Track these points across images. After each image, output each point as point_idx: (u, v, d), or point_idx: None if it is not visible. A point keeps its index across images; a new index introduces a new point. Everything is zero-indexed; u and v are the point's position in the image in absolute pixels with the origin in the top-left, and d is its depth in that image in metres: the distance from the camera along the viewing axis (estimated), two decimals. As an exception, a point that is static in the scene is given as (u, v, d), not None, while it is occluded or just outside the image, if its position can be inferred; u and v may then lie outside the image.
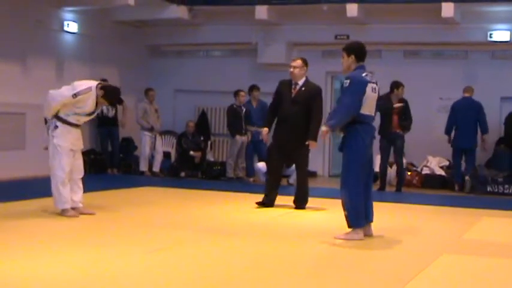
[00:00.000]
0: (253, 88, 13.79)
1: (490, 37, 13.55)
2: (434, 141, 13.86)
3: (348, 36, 13.31)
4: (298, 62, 9.48)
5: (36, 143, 11.98)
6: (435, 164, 13.58)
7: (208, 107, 16.00)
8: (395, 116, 12.28)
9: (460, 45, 14.17)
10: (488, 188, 12.42)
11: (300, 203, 9.52)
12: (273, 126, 9.81)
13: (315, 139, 9.30)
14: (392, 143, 12.32)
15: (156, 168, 14.40)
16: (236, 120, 13.49)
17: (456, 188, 12.74)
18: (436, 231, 8.11)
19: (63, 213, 8.11)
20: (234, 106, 13.60)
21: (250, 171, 13.76)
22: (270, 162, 9.85)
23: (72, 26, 13.94)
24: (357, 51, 7.20)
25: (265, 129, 9.77)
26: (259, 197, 9.71)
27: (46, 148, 8.26)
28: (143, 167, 14.33)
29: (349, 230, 7.14)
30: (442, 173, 13.39)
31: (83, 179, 8.42)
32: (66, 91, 8.08)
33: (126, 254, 6.18)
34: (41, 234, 7.13)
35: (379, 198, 10.04)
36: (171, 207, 9.59)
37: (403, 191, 12.37)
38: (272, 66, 14.91)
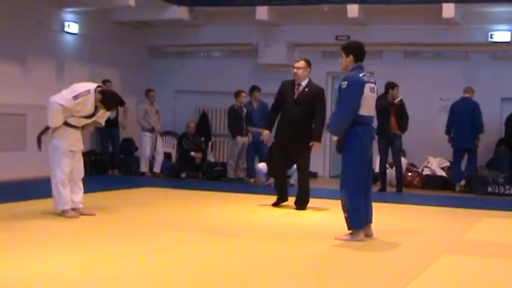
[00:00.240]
0: (254, 89, 13.78)
1: (491, 38, 13.55)
2: (434, 141, 13.85)
3: (348, 37, 13.28)
4: (302, 63, 9.48)
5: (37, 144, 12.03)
6: (436, 165, 13.57)
7: (209, 108, 16.00)
8: (393, 116, 12.29)
9: (460, 45, 14.17)
10: (489, 189, 12.42)
11: (301, 204, 9.52)
12: (275, 126, 9.82)
13: (319, 140, 9.35)
14: (391, 143, 12.33)
15: (157, 169, 14.40)
16: (237, 121, 13.49)
17: (458, 188, 12.73)
18: (437, 232, 8.11)
19: (63, 214, 8.10)
20: (235, 107, 13.60)
21: (251, 172, 13.76)
22: (274, 164, 9.92)
23: (72, 27, 13.95)
24: (356, 51, 7.17)
25: (266, 131, 9.81)
26: (260, 198, 9.71)
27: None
28: (144, 167, 14.33)
29: (350, 231, 7.13)
30: (443, 173, 13.38)
31: (83, 179, 8.42)
32: (66, 94, 8.04)
33: (127, 255, 6.17)
34: (41, 234, 7.13)
35: (379, 199, 10.06)
36: (171, 207, 9.58)
37: (403, 191, 12.37)
38: (273, 67, 14.92)
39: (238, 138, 13.48)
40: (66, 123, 8.13)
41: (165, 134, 15.16)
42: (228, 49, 15.98)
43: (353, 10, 13.57)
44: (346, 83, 7.01)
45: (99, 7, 13.95)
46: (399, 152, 12.50)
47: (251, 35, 15.05)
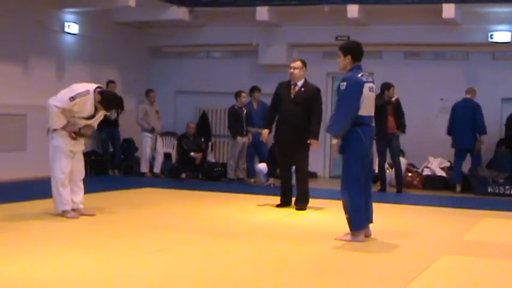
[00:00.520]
0: (254, 89, 13.78)
1: (491, 38, 13.56)
2: (435, 142, 13.86)
3: (348, 37, 13.27)
4: (298, 63, 9.58)
5: (37, 145, 12.05)
6: (436, 165, 13.56)
7: (209, 108, 16.00)
8: (391, 116, 12.29)
9: (460, 46, 14.17)
10: (489, 189, 12.42)
11: (301, 204, 9.53)
12: (274, 127, 9.88)
13: (316, 138, 9.41)
14: (389, 144, 12.33)
15: (157, 169, 14.40)
16: (237, 121, 13.50)
17: (458, 188, 12.73)
18: (437, 232, 8.10)
19: (63, 214, 8.10)
20: (235, 107, 13.60)
21: (251, 172, 13.76)
22: (278, 165, 10.08)
23: (73, 27, 13.95)
24: (354, 51, 7.15)
25: (266, 131, 9.89)
26: (260, 198, 9.72)
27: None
28: (144, 168, 14.33)
29: (350, 231, 7.12)
30: (443, 174, 13.38)
31: (83, 180, 8.42)
32: (63, 96, 8.01)
33: (127, 255, 6.18)
34: (42, 235, 7.13)
35: (380, 200, 10.06)
36: (171, 208, 9.58)
37: (403, 192, 12.36)
38: (273, 67, 14.92)
39: (239, 138, 13.48)
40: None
41: (165, 134, 15.15)
42: (228, 49, 15.98)
43: (353, 10, 13.58)
44: (345, 83, 7.00)
45: (99, 8, 13.95)
46: (398, 152, 12.49)
47: (251, 36, 15.06)
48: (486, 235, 8.16)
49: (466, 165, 13.09)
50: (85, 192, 8.41)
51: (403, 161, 13.00)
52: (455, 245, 7.33)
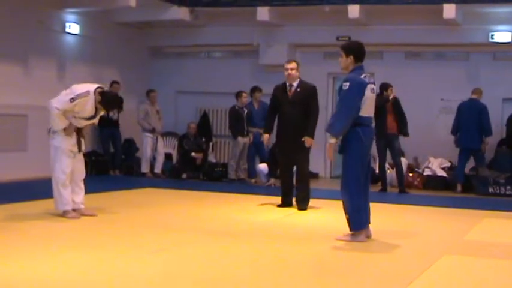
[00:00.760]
0: (255, 89, 13.78)
1: (492, 38, 13.56)
2: (435, 142, 13.87)
3: (349, 38, 13.27)
4: (294, 64, 9.69)
5: (38, 145, 12.04)
6: (437, 165, 13.56)
7: (210, 108, 16.00)
8: (390, 116, 12.29)
9: (461, 46, 14.17)
10: (490, 189, 12.41)
11: (302, 204, 9.55)
12: (275, 129, 9.95)
13: (311, 136, 9.47)
14: (389, 144, 12.33)
15: (158, 169, 14.40)
16: (238, 121, 13.50)
17: (459, 188, 12.73)
18: (438, 232, 8.10)
19: (64, 214, 8.10)
20: (236, 107, 13.61)
21: (252, 172, 13.76)
22: (279, 165, 10.10)
23: (73, 28, 13.96)
24: (356, 51, 7.15)
25: (266, 136, 10.00)
26: (261, 198, 9.73)
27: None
28: (145, 168, 14.33)
29: (351, 232, 7.12)
30: (444, 174, 13.38)
31: (84, 180, 8.42)
32: (63, 97, 8.01)
33: (127, 255, 6.18)
34: (42, 235, 7.13)
35: (380, 200, 10.08)
36: (172, 208, 9.58)
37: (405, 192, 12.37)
38: (273, 68, 14.89)
39: (240, 138, 13.48)
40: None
41: (166, 134, 15.15)
42: (229, 50, 15.98)
43: (354, 11, 13.58)
44: (347, 84, 7.00)
45: (100, 8, 13.96)
46: (398, 153, 12.48)
47: (252, 36, 15.06)
48: (487, 235, 8.16)
49: (468, 166, 13.08)
50: (86, 193, 8.41)
51: (403, 161, 12.99)
52: (456, 245, 7.33)
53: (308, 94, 9.59)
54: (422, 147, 13.74)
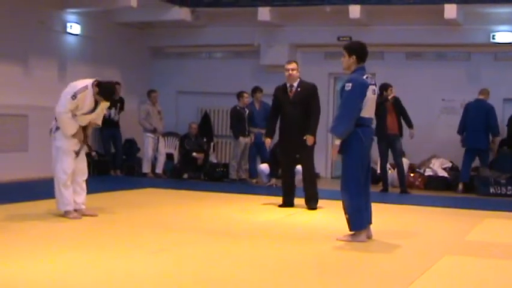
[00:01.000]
0: (256, 90, 13.78)
1: (493, 38, 13.54)
2: (437, 142, 13.86)
3: (350, 38, 13.28)
4: (294, 65, 9.75)
5: (39, 145, 12.05)
6: (438, 166, 13.56)
7: (211, 109, 15.99)
8: (391, 116, 12.28)
9: (462, 46, 14.15)
10: (491, 190, 12.40)
11: (311, 204, 9.62)
12: (277, 130, 9.98)
13: (313, 134, 9.49)
14: (391, 145, 12.33)
15: (159, 169, 14.40)
16: (239, 121, 13.51)
17: (460, 187, 12.73)
18: (439, 233, 8.10)
19: (65, 215, 8.11)
20: (238, 108, 13.61)
21: (253, 172, 13.76)
22: (280, 166, 10.18)
23: (74, 28, 13.96)
24: (359, 51, 7.16)
25: (268, 140, 10.04)
26: (262, 199, 9.74)
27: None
28: (146, 168, 14.33)
29: (352, 232, 7.12)
30: (445, 174, 13.37)
31: (86, 181, 8.41)
32: (65, 96, 8.03)
33: (128, 255, 6.18)
34: (43, 235, 7.13)
35: (381, 200, 10.07)
36: (173, 208, 9.59)
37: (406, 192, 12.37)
38: (274, 68, 14.87)
39: (241, 139, 13.49)
40: None
41: (167, 134, 15.15)
42: (230, 50, 15.98)
43: (355, 11, 13.57)
44: (350, 84, 7.01)
45: (101, 8, 13.96)
46: (400, 153, 12.49)
47: (253, 36, 15.05)
48: (488, 236, 8.16)
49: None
50: (87, 193, 8.41)
51: (404, 161, 12.98)
52: (457, 246, 7.33)
53: (309, 94, 9.63)
54: (423, 147, 13.73)
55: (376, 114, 7.52)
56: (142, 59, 16.15)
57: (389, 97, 12.27)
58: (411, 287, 5.33)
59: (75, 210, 8.17)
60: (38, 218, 8.10)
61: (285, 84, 9.77)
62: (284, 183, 9.91)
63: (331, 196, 10.29)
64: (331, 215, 9.15)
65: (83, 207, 8.28)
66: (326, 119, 13.43)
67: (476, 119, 12.69)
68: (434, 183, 13.24)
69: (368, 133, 7.15)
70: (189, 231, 7.61)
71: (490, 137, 12.88)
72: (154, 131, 14.29)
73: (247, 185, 13.20)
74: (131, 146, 15.00)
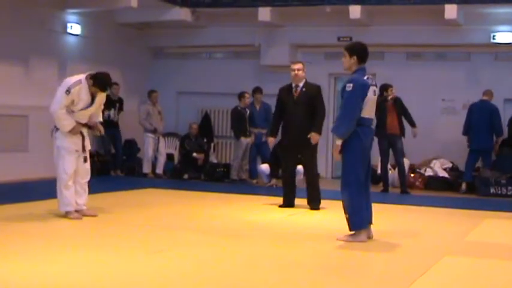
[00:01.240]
0: (256, 90, 13.79)
1: (493, 39, 13.54)
2: (437, 142, 13.86)
3: (350, 38, 13.30)
4: (300, 65, 9.75)
5: (39, 145, 12.06)
6: (438, 166, 13.55)
7: (211, 109, 15.99)
8: (392, 116, 12.28)
9: (463, 46, 14.15)
10: (491, 190, 12.40)
11: (314, 204, 9.65)
12: (280, 130, 9.99)
13: (318, 132, 9.50)
14: (392, 145, 12.33)
15: (159, 170, 14.40)
16: (240, 122, 13.51)
17: (463, 187, 12.72)
18: (439, 233, 8.10)
19: (66, 215, 8.10)
20: (239, 108, 13.61)
21: (254, 173, 13.76)
22: (281, 166, 10.19)
23: (75, 28, 13.96)
24: (360, 52, 7.17)
25: (272, 139, 10.01)
26: (262, 199, 9.75)
27: None
28: (146, 169, 14.33)
29: (352, 232, 7.13)
30: (445, 174, 13.37)
31: (89, 182, 8.39)
32: (59, 94, 8.01)
33: (129, 256, 6.18)
34: (43, 235, 7.13)
35: (382, 200, 10.07)
36: (174, 209, 9.59)
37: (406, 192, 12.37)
38: (275, 68, 14.91)
39: (242, 139, 13.49)
40: None
41: (168, 135, 15.16)
42: (231, 50, 15.98)
43: (355, 11, 13.57)
44: (351, 85, 7.02)
45: (101, 8, 13.95)
46: (401, 154, 12.49)
47: (253, 36, 15.05)
48: (488, 236, 8.16)
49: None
50: (88, 193, 8.39)
51: (405, 162, 12.97)
52: (457, 246, 7.33)
53: (313, 95, 9.65)
54: (424, 147, 13.72)
55: (376, 114, 7.52)
56: (142, 59, 16.15)
57: (390, 97, 12.28)
58: (411, 287, 5.33)
59: (76, 211, 8.16)
60: (38, 218, 8.09)
61: (290, 85, 9.78)
62: (285, 183, 9.92)
63: (332, 196, 10.28)
64: (331, 215, 9.15)
65: (84, 208, 8.27)
66: (326, 119, 13.36)
67: (480, 120, 12.71)
68: (434, 183, 13.24)
69: (368, 133, 7.16)
70: (189, 231, 7.61)
71: (494, 138, 12.89)
72: (154, 131, 14.29)
73: (247, 186, 13.21)
74: (131, 147, 15.00)
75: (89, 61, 14.23)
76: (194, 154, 14.12)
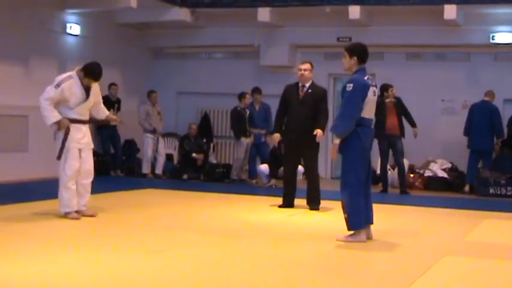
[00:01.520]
0: (255, 91, 13.79)
1: (493, 39, 13.56)
2: (436, 143, 13.86)
3: (350, 38, 13.32)
4: (308, 66, 9.75)
5: (39, 146, 12.06)
6: (438, 167, 13.56)
7: (211, 109, 15.99)
8: (392, 116, 12.29)
9: (462, 47, 14.16)
10: (491, 190, 12.41)
11: (314, 204, 9.65)
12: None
13: (322, 129, 9.49)
14: (392, 145, 12.34)
15: (159, 170, 14.40)
16: (240, 122, 13.51)
17: (466, 188, 12.73)
18: (439, 233, 8.10)
19: (66, 215, 8.09)
20: (238, 108, 13.61)
21: (253, 173, 13.76)
22: (283, 166, 10.19)
23: (74, 28, 13.96)
24: (360, 52, 7.19)
25: (277, 135, 9.92)
26: (262, 199, 9.74)
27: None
28: (145, 169, 14.33)
29: (351, 232, 7.13)
30: (445, 175, 13.37)
31: (92, 182, 8.36)
32: (48, 88, 8.05)
33: (128, 256, 6.18)
34: (42, 236, 7.13)
35: (381, 200, 10.07)
36: (173, 209, 9.59)
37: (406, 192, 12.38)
38: (274, 69, 14.92)
39: (243, 139, 13.49)
40: (68, 120, 8.08)
41: (167, 135, 15.16)
42: (230, 50, 15.98)
43: (355, 11, 13.58)
44: (351, 85, 7.03)
45: (101, 9, 13.95)
46: (401, 154, 12.49)
47: (253, 37, 15.06)
48: (487, 236, 8.17)
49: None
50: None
51: (405, 162, 12.98)
52: (457, 246, 7.33)
53: (318, 97, 9.65)
54: (423, 148, 13.73)
55: (376, 114, 7.53)
56: (142, 59, 16.15)
57: (389, 97, 12.29)
58: (411, 287, 5.33)
59: (76, 212, 8.14)
60: (37, 218, 8.09)
61: (297, 84, 9.77)
62: (286, 183, 9.91)
63: (331, 197, 10.29)
64: (331, 215, 9.16)
65: (84, 208, 8.26)
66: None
67: (481, 121, 12.72)
68: (434, 183, 13.25)
69: (368, 133, 7.17)
70: (188, 231, 7.61)
71: (495, 139, 12.89)
72: (154, 131, 14.29)
73: (246, 186, 13.21)
74: (131, 147, 15.00)
75: (88, 61, 14.18)
76: (193, 154, 14.12)
